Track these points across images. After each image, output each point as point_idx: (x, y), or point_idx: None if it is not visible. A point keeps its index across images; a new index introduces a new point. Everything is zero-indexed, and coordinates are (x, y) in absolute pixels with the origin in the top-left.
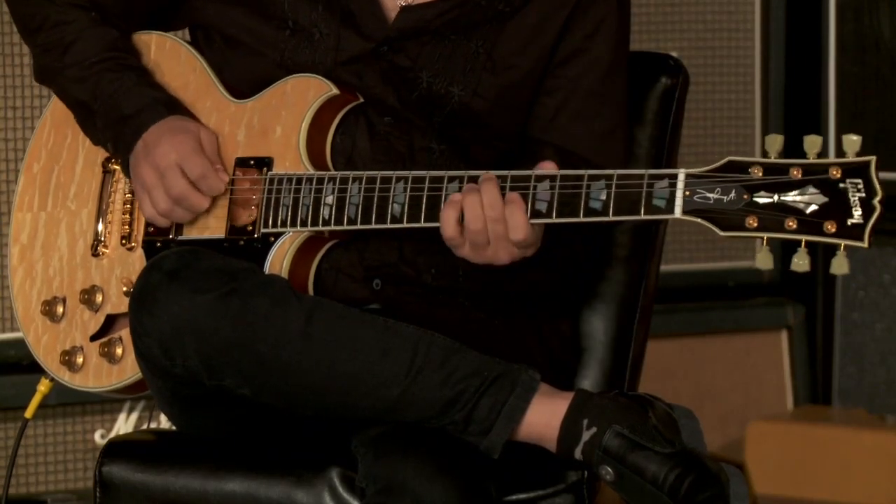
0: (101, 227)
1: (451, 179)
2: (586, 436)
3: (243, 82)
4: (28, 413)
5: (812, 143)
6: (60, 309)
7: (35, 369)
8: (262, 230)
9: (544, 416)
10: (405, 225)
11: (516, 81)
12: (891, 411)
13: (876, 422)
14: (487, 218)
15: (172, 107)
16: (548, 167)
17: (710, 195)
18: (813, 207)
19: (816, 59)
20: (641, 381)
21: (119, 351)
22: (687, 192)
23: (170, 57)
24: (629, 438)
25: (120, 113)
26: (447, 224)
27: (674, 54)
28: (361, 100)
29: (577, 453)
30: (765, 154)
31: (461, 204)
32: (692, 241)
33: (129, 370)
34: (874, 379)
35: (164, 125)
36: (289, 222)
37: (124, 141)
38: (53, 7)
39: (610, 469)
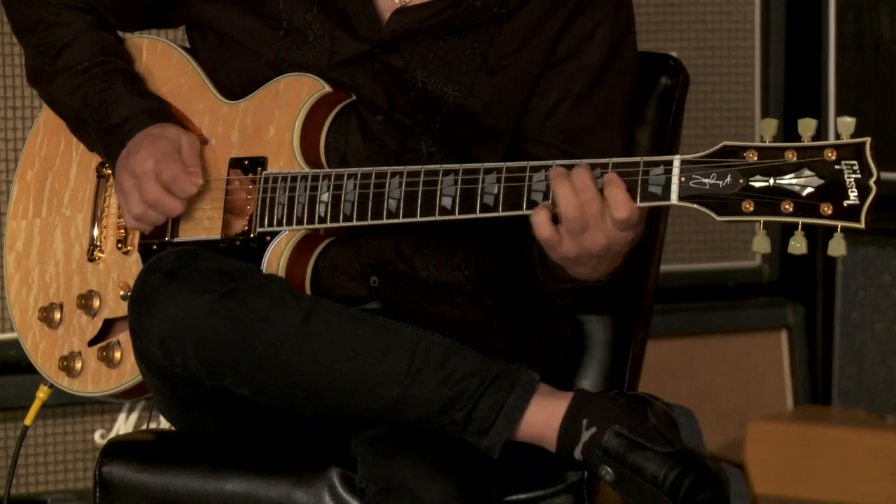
0: (96, 231)
1: (447, 173)
2: (586, 436)
3: (237, 82)
4: (28, 420)
5: (806, 126)
6: (58, 315)
7: (35, 370)
8: (258, 229)
9: (544, 416)
10: (401, 220)
11: (511, 81)
12: (891, 411)
13: (876, 422)
14: (582, 201)
15: (157, 115)
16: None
17: (706, 180)
18: (809, 190)
19: (816, 59)
20: (641, 381)
21: (118, 355)
22: (683, 178)
23: (161, 60)
24: (629, 438)
25: (108, 122)
26: (541, 227)
27: (674, 54)
28: (354, 97)
29: (577, 453)
30: (760, 139)
31: (552, 198)
32: (692, 241)
33: (127, 374)
34: (874, 379)
35: (145, 133)
36: (284, 221)
37: (112, 150)
38: (49, 8)
39: (610, 469)
